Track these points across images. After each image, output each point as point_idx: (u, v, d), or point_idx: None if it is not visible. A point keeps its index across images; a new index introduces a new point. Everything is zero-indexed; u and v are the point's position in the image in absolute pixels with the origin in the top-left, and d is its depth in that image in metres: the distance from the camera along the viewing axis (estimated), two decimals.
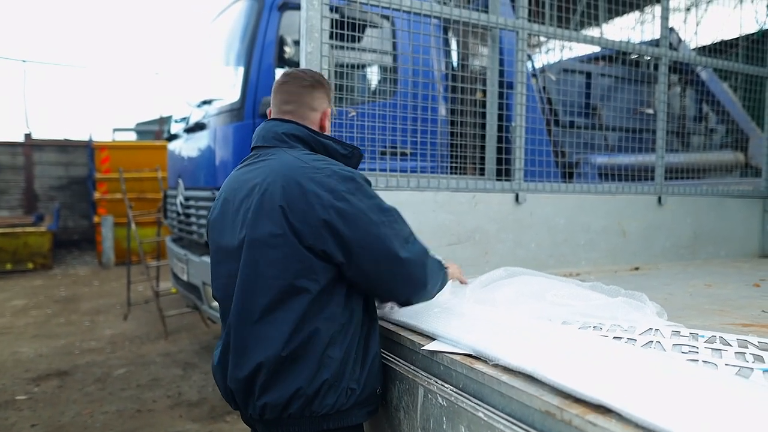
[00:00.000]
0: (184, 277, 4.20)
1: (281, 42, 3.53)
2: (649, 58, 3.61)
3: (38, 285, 8.65)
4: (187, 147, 4.35)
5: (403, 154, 2.82)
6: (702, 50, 4.26)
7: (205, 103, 4.07)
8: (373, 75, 3.70)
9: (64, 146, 12.86)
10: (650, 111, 3.74)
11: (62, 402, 3.91)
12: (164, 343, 5.26)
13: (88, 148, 11.06)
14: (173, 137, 4.85)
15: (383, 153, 2.72)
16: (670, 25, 3.48)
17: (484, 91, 3.15)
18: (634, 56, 3.85)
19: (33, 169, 12.57)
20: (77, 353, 5.04)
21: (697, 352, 1.32)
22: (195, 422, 3.50)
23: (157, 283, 5.96)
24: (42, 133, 13.01)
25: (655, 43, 3.50)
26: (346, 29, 2.48)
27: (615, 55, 4.17)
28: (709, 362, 1.25)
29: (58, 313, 6.66)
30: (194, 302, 4.36)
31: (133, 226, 5.85)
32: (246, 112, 3.52)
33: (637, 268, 3.18)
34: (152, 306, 6.59)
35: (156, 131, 13.81)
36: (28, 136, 12.62)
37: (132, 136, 15.83)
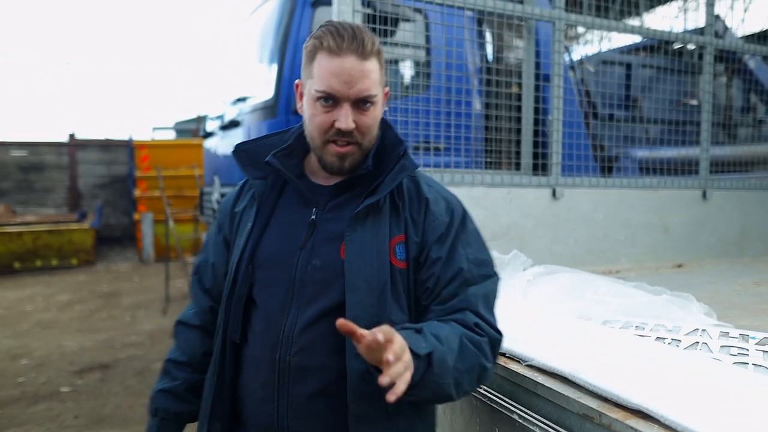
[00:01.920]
0: None
1: None
2: (693, 47, 3.48)
3: (82, 280, 8.90)
4: (222, 144, 4.40)
5: (436, 149, 2.78)
6: (750, 38, 4.08)
7: (239, 100, 4.10)
8: (407, 70, 3.66)
9: (106, 145, 13.19)
10: (694, 102, 3.60)
11: (104, 394, 4.00)
12: None
13: (129, 147, 11.33)
14: (209, 135, 4.91)
15: (416, 148, 2.69)
16: (715, 12, 3.35)
17: (519, 85, 3.09)
18: (676, 45, 3.73)
19: (77, 168, 12.93)
20: (118, 347, 5.15)
21: (747, 355, 1.25)
22: None
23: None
24: (85, 132, 13.36)
25: (700, 31, 3.37)
26: (378, 24, 2.45)
27: (656, 45, 4.03)
28: (761, 366, 1.18)
29: (101, 308, 6.83)
30: None
31: (171, 223, 5.96)
32: (279, 109, 3.53)
33: (680, 266, 3.07)
34: (189, 302, 6.71)
35: (193, 129, 14.05)
36: (72, 136, 12.98)
37: (171, 135, 16.15)
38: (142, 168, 10.49)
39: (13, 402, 3.93)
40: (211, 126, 4.94)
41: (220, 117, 4.55)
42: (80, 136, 13.13)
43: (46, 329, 5.92)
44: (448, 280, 1.17)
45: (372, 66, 1.15)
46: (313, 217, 1.21)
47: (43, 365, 4.71)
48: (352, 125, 1.13)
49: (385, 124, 1.26)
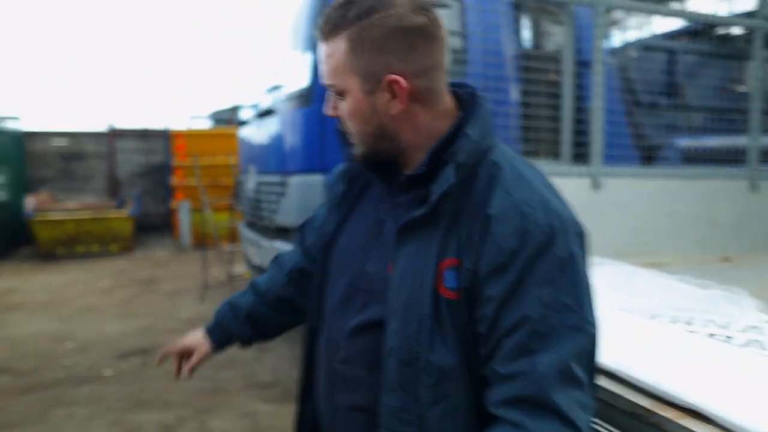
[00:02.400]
0: (257, 261, 4.29)
1: None
2: (741, 31, 3.35)
3: (122, 267, 9.12)
4: (257, 133, 4.43)
5: None
6: None
7: (274, 88, 4.12)
8: None
9: (144, 134, 13.45)
10: (742, 89, 3.48)
11: (145, 378, 4.10)
12: None
13: (165, 136, 11.52)
14: (244, 123, 4.95)
15: None
16: None
17: (557, 72, 3.02)
18: (723, 30, 3.59)
19: (116, 157, 13.22)
20: (158, 332, 5.27)
21: None
22: (267, 403, 3.59)
23: (232, 267, 6.13)
24: (124, 122, 13.64)
25: (749, 14, 3.25)
26: None
27: (702, 30, 3.90)
28: None
29: (140, 294, 6.99)
30: None
31: (207, 211, 6.04)
32: (314, 97, 3.54)
33: (727, 259, 2.98)
34: (227, 289, 6.81)
35: (228, 118, 14.21)
36: (111, 125, 13.26)
37: (208, 124, 16.36)
38: (179, 157, 10.66)
39: (59, 383, 4.06)
40: (245, 115, 4.97)
41: (255, 106, 4.58)
42: (119, 125, 13.41)
43: (89, 314, 6.09)
44: (507, 330, 0.88)
45: (332, 48, 0.98)
46: (382, 216, 1.06)
47: (87, 349, 4.85)
48: (329, 112, 1.05)
49: (469, 113, 1.01)
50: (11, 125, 11.54)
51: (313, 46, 3.55)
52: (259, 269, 4.39)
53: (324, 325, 1.13)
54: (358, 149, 1.04)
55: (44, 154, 12.83)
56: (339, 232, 1.14)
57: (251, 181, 4.51)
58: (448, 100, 1.03)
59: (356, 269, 1.06)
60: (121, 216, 10.10)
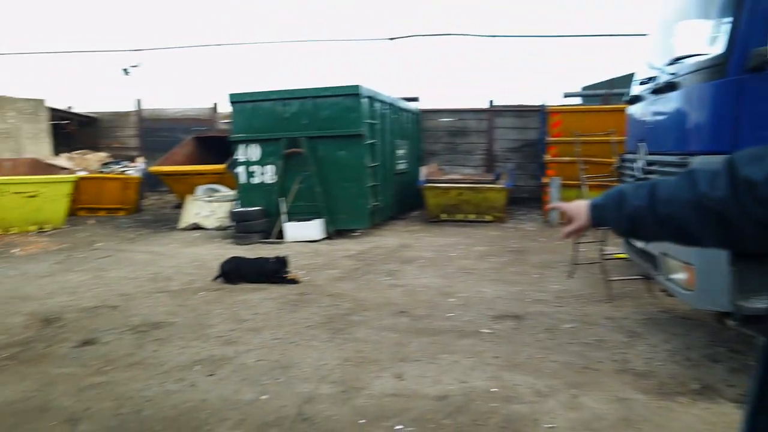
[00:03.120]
0: (639, 245, 4.08)
1: None
2: None
3: (494, 235, 9.80)
4: (652, 109, 4.15)
5: None
6: None
7: (676, 60, 3.77)
8: None
9: (520, 111, 14.04)
10: None
11: (517, 342, 4.35)
12: (607, 306, 5.29)
13: (541, 112, 11.78)
14: (635, 99, 4.69)
15: None
16: None
17: None
18: None
19: (493, 133, 14.17)
20: (528, 301, 5.52)
21: None
22: (642, 393, 3.42)
23: (604, 246, 5.98)
24: (502, 99, 14.47)
25: None
26: None
27: None
28: None
29: (511, 263, 7.41)
30: (647, 271, 4.21)
31: (584, 188, 5.98)
32: (731, 67, 3.12)
33: None
34: (596, 268, 6.69)
35: (603, 95, 13.74)
36: (491, 102, 14.22)
37: (579, 101, 16.15)
38: (554, 133, 10.80)
39: (445, 332, 4.61)
40: (637, 90, 4.70)
41: (650, 80, 4.29)
42: (498, 103, 14.29)
43: (467, 274, 6.74)
44: None
45: None
46: None
47: (466, 305, 5.39)
48: None
49: None
50: (412, 105, 13.37)
51: (736, 5, 3.12)
52: (640, 253, 4.18)
53: None
54: None
55: (434, 130, 14.56)
56: None
57: (640, 160, 4.27)
58: None
59: None
60: (497, 188, 10.80)
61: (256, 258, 6.70)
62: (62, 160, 13.54)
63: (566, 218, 1.55)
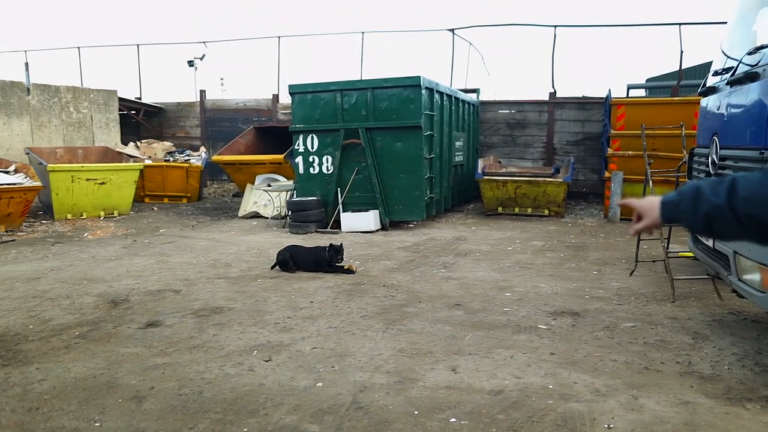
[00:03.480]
0: (710, 243, 3.90)
1: None
2: None
3: (552, 230, 9.60)
4: (728, 101, 3.94)
5: None
6: None
7: (757, 49, 3.57)
8: None
9: (582, 103, 13.65)
10: None
11: (575, 339, 4.25)
12: (671, 306, 5.09)
13: (606, 104, 11.41)
14: (709, 91, 4.47)
15: None
16: None
17: None
18: None
19: (554, 125, 13.84)
20: (586, 298, 5.38)
21: None
22: (708, 398, 3.28)
23: (668, 244, 5.76)
24: (564, 91, 14.10)
25: None
26: None
27: None
28: None
29: (569, 258, 7.24)
30: (716, 271, 4.02)
31: (650, 184, 5.77)
32: None
33: None
34: (659, 266, 6.46)
35: (672, 87, 13.19)
36: (552, 94, 13.88)
37: (643, 93, 15.57)
38: (617, 126, 10.46)
39: (501, 327, 4.55)
40: (713, 81, 4.48)
41: (727, 70, 4.08)
42: (560, 94, 13.94)
43: (524, 269, 6.63)
44: None
45: None
46: None
47: (522, 300, 5.30)
48: None
49: None
50: (471, 96, 13.21)
51: None
52: (710, 251, 3.99)
53: None
54: None
55: (493, 122, 14.36)
56: None
57: (713, 154, 4.07)
58: None
59: None
60: (556, 182, 10.56)
61: (312, 247, 6.79)
62: (130, 149, 14.10)
63: (636, 215, 1.51)
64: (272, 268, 6.63)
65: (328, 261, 6.43)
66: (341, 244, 6.56)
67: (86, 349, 4.12)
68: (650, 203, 1.47)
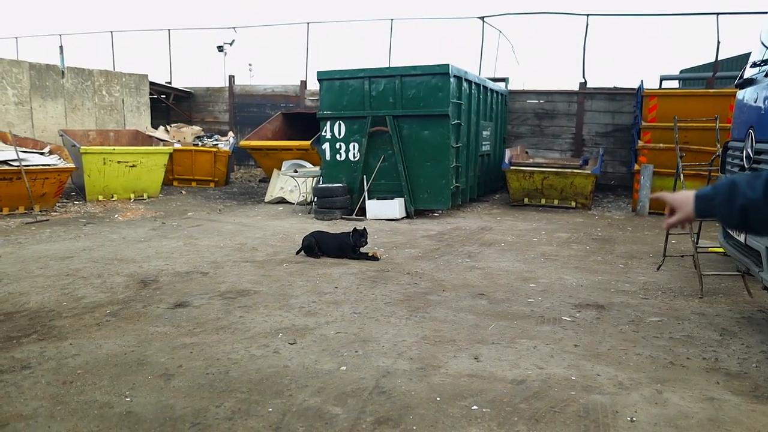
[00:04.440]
0: (741, 239, 3.83)
1: None
2: None
3: (579, 222, 9.51)
4: (766, 94, 3.85)
5: None
6: None
7: None
8: None
9: (613, 94, 13.43)
10: None
11: (599, 332, 4.22)
12: (698, 302, 5.02)
13: (638, 95, 11.20)
14: (747, 83, 4.37)
15: None
16: None
17: None
18: None
19: (583, 116, 13.65)
20: (612, 291, 5.33)
21: None
22: (734, 394, 3.24)
23: (697, 239, 5.67)
24: (595, 81, 13.87)
25: None
26: None
27: None
28: None
29: (595, 251, 7.17)
30: (747, 267, 3.95)
31: (681, 177, 5.68)
32: None
33: None
34: (687, 261, 6.36)
35: (708, 79, 12.89)
36: (582, 84, 13.68)
37: (676, 84, 15.25)
38: (649, 118, 10.27)
39: (524, 317, 4.55)
40: (750, 72, 4.38)
41: (766, 62, 3.98)
42: (591, 85, 13.73)
43: (549, 260, 6.59)
44: None
45: None
46: None
47: (547, 292, 5.28)
48: None
49: None
50: (500, 86, 13.09)
51: None
52: (741, 247, 3.92)
53: None
54: None
55: (521, 111, 14.22)
56: None
57: (747, 148, 3.99)
58: None
59: None
60: (584, 174, 10.44)
61: (337, 233, 6.84)
62: (160, 133, 14.31)
63: (668, 209, 1.50)
64: (297, 253, 6.70)
65: (352, 247, 6.47)
66: (365, 228, 6.58)
67: (117, 326, 4.23)
68: (684, 197, 1.46)
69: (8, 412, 2.93)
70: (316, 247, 6.59)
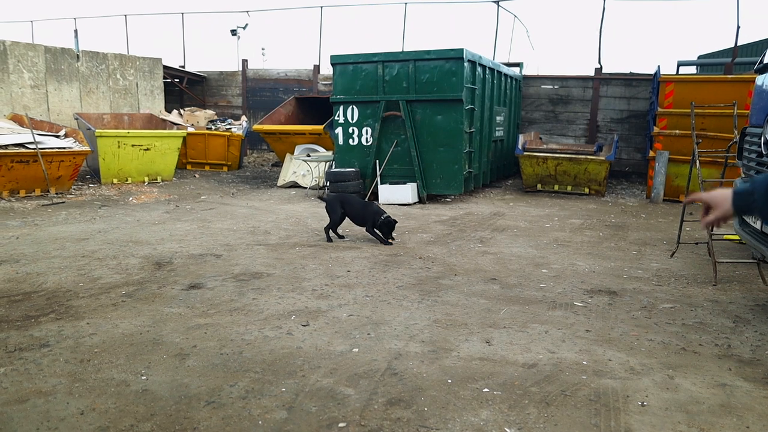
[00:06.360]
0: (757, 226, 3.80)
1: None
2: None
3: (592, 208, 9.45)
4: None
5: None
6: None
7: None
8: None
9: (629, 80, 13.26)
10: None
11: (611, 318, 4.22)
12: (712, 289, 5.00)
13: (654, 81, 11.07)
14: (766, 68, 4.30)
15: None
16: None
17: None
18: None
19: (598, 102, 13.51)
20: (625, 277, 5.32)
21: None
22: (746, 381, 3.24)
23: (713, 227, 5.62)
24: (610, 67, 13.70)
25: None
26: None
27: None
28: None
29: (608, 237, 7.14)
30: (763, 255, 3.92)
31: (697, 164, 5.62)
32: None
33: None
34: (701, 248, 6.33)
35: (726, 64, 12.69)
36: (598, 70, 13.52)
37: (694, 70, 15.02)
38: (665, 105, 10.15)
39: (536, 303, 4.55)
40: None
41: None
42: (606, 70, 13.56)
43: (561, 246, 6.57)
44: None
45: None
46: None
47: (559, 277, 5.27)
48: None
49: None
50: (515, 71, 12.97)
51: None
52: (759, 235, 3.88)
53: None
54: None
55: (536, 97, 14.10)
56: None
57: (765, 134, 3.94)
58: None
59: None
60: (598, 160, 10.36)
61: (366, 202, 6.95)
62: (174, 117, 14.36)
63: (704, 207, 1.49)
64: (320, 198, 7.23)
65: (373, 222, 6.51)
66: (396, 222, 6.59)
67: (133, 307, 4.30)
68: (721, 194, 1.45)
69: (28, 388, 3.00)
70: (339, 205, 6.62)
